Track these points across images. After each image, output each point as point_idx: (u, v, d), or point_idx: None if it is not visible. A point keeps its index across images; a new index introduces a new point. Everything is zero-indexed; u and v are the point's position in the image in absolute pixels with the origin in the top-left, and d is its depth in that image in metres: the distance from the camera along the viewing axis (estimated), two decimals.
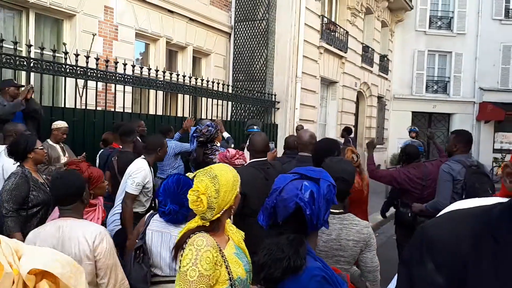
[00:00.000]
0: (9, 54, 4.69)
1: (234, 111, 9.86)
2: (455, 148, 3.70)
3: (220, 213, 1.75)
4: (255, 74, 10.16)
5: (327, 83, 13.09)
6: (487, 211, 0.94)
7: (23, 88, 4.61)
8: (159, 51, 8.89)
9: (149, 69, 6.40)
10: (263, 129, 7.96)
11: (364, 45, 15.21)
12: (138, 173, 3.59)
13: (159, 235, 2.40)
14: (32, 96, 4.60)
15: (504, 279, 0.84)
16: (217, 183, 1.73)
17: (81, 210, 2.40)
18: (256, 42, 10.17)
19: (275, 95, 9.92)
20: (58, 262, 1.01)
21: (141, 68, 6.30)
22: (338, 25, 12.86)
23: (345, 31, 13.18)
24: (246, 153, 3.63)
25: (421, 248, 0.95)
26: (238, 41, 10.51)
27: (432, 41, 18.79)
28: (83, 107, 5.66)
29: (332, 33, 12.39)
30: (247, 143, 3.57)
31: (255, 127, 6.66)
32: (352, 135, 11.48)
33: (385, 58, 17.79)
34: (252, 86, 9.95)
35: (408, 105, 19.00)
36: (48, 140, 4.57)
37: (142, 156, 3.83)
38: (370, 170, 4.55)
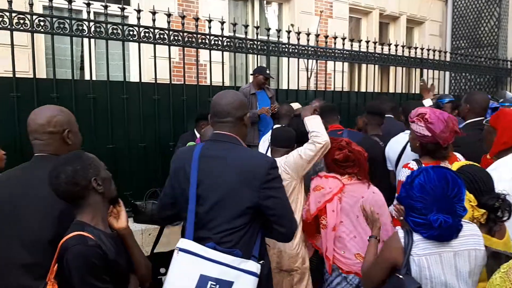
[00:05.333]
0: (252, 39, 4.85)
1: (454, 83, 8.61)
2: None
3: None
4: (483, 39, 8.63)
5: None
6: None
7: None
8: (372, 24, 8.34)
9: (367, 42, 5.88)
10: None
11: None
12: None
13: (437, 258, 1.64)
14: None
15: None
16: None
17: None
18: (483, 1, 8.60)
19: (511, 61, 8.24)
20: None
21: (359, 41, 5.87)
22: None
23: None
24: None
25: None
26: (458, 3, 9.09)
27: None
28: (313, 88, 5.58)
29: None
30: None
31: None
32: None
33: None
34: (479, 52, 8.49)
35: None
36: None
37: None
38: None
